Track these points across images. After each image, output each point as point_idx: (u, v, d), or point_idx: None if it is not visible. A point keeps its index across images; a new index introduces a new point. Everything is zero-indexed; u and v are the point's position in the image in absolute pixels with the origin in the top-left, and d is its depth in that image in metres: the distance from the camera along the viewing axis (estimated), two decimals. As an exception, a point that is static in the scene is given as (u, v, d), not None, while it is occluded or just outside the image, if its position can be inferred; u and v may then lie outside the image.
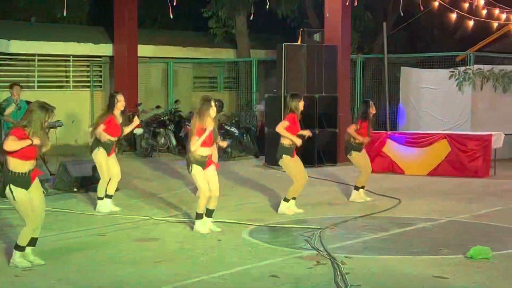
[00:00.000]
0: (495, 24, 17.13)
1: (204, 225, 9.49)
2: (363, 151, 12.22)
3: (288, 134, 10.67)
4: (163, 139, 19.53)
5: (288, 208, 10.92)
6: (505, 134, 16.12)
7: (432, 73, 19.11)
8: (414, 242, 8.92)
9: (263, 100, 19.15)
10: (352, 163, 12.35)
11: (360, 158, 12.15)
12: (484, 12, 16.13)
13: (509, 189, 13.59)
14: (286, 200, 10.96)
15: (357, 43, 23.75)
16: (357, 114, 12.88)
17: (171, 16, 12.94)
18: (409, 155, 15.90)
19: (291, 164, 10.87)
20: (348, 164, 13.67)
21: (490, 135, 15.47)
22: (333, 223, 10.01)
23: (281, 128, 10.71)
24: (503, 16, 16.65)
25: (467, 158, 15.39)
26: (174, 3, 12.27)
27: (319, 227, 9.62)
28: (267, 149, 17.16)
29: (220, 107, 14.78)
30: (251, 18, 15.57)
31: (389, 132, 16.78)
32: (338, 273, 7.18)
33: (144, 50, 22.12)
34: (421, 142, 15.88)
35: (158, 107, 20.72)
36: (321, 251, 8.22)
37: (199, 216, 9.52)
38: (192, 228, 9.60)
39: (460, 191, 13.45)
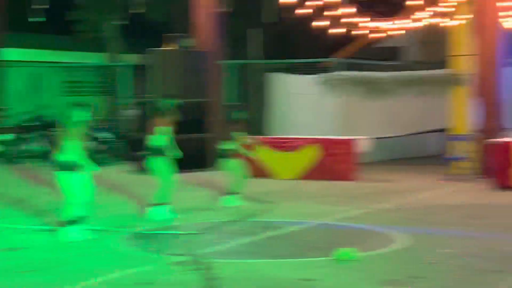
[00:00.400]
0: (363, 32, 17.68)
1: (73, 232, 9.28)
2: (238, 156, 12.35)
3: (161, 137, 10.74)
4: (30, 144, 18.98)
5: (160, 214, 10.86)
6: (372, 138, 16.66)
7: (300, 79, 19.51)
8: (283, 246, 9.05)
9: (133, 104, 18.98)
10: (224, 168, 12.43)
11: (234, 163, 12.29)
12: (352, 20, 16.61)
13: (375, 191, 14.04)
14: (156, 205, 10.89)
15: (227, 49, 23.88)
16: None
17: (39, 20, 12.63)
18: (280, 159, 16.17)
19: (161, 167, 10.88)
20: (218, 169, 13.72)
21: (358, 139, 15.94)
22: (204, 228, 10.02)
23: (154, 131, 10.73)
24: (370, 24, 17.21)
25: (335, 161, 15.80)
26: (42, 7, 11.97)
27: (191, 233, 9.61)
28: (138, 154, 16.97)
29: (90, 113, 14.53)
30: (122, 23, 15.42)
31: (259, 137, 16.98)
32: (209, 278, 7.19)
33: (11, 54, 21.43)
34: (290, 146, 16.18)
35: (28, 112, 20.11)
36: (192, 256, 8.20)
37: (68, 223, 9.30)
38: (63, 235, 9.35)
39: (329, 194, 13.79)
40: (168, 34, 17.81)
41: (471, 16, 16.78)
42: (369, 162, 17.74)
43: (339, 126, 18.61)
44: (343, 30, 16.55)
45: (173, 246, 9.01)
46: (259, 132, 18.90)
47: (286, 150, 16.18)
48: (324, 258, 8.13)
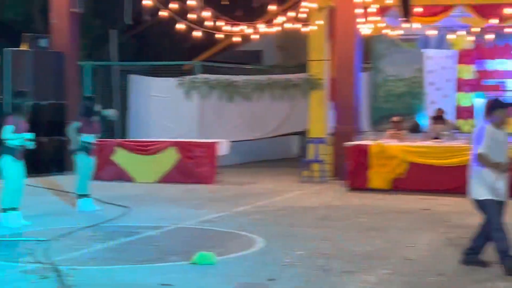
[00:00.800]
0: (221, 36, 17.75)
1: None
2: (87, 157, 12.09)
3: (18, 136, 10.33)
4: None
5: (11, 219, 10.43)
6: (231, 142, 16.79)
7: (161, 82, 19.40)
8: (141, 251, 8.92)
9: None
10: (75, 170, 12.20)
11: (83, 164, 12.07)
12: (210, 23, 16.65)
13: (234, 194, 14.15)
14: (4, 210, 10.44)
15: (87, 50, 23.42)
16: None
17: None
18: (139, 162, 16.01)
19: (11, 169, 10.42)
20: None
21: (216, 143, 16.01)
22: (59, 234, 9.74)
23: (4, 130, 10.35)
24: (228, 28, 17.31)
25: (194, 165, 15.81)
26: None
27: (44, 239, 9.31)
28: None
29: None
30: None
31: (118, 140, 16.76)
32: (63, 286, 6.98)
33: None
34: (150, 150, 16.06)
35: None
36: (46, 263, 7.95)
37: None
38: None
39: (188, 197, 13.76)
40: (26, 34, 17.26)
41: (327, 22, 17.22)
42: (229, 165, 17.89)
43: (198, 129, 18.64)
44: (203, 33, 16.57)
45: (24, 253, 8.68)
46: (119, 135, 18.64)
47: (146, 153, 16.04)
48: (183, 263, 8.09)
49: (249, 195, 14.12)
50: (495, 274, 7.57)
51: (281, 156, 22.21)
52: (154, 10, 15.68)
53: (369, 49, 19.67)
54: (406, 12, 13.91)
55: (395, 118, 15.86)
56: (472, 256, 7.97)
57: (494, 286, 7.13)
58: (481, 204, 7.81)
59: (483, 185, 7.75)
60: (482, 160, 7.74)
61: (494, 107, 7.96)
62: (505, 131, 8.01)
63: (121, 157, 16.09)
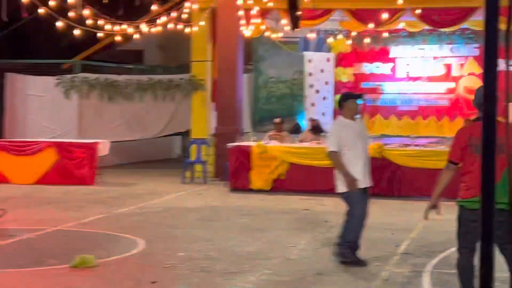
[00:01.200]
0: (101, 34, 17.49)
1: None
2: None
3: None
4: None
5: None
6: (111, 142, 16.57)
7: (39, 80, 18.91)
8: (19, 254, 8.68)
9: None
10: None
11: None
12: (93, 22, 16.37)
13: (114, 196, 13.98)
14: None
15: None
16: None
17: None
18: (15, 163, 15.55)
19: None
20: None
21: (96, 143, 15.76)
22: None
23: None
24: (109, 26, 17.07)
25: (74, 166, 15.51)
26: None
27: None
28: None
29: None
30: None
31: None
32: None
33: None
34: (28, 150, 15.64)
35: None
36: None
37: None
38: None
39: (67, 199, 13.49)
40: None
41: (209, 23, 17.27)
42: (110, 166, 17.65)
43: (78, 129, 18.29)
44: (83, 32, 16.27)
45: None
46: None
47: (23, 154, 15.61)
48: (62, 266, 7.93)
49: (130, 196, 13.98)
50: (372, 272, 7.81)
51: (163, 157, 22.11)
52: (32, 7, 15.25)
53: (250, 51, 19.87)
54: (294, 21, 14.14)
55: (276, 120, 16.09)
56: (347, 251, 8.17)
57: (371, 286, 7.35)
58: (344, 196, 8.14)
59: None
60: (331, 160, 8.20)
61: (345, 98, 8.38)
62: (360, 122, 8.51)
63: (-3, 158, 15.59)
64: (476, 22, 16.92)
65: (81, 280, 7.36)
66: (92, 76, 18.63)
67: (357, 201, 8.16)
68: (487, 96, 1.91)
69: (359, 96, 8.70)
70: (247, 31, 16.79)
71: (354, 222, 8.14)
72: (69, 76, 18.53)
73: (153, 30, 17.13)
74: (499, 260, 5.94)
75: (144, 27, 17.15)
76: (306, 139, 15.67)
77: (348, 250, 8.08)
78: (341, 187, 8.19)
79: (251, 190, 14.38)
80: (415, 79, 20.36)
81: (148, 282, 7.29)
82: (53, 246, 9.31)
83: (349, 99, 8.35)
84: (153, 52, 24.03)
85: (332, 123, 8.42)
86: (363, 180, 8.24)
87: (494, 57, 1.90)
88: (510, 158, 2.19)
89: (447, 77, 20.04)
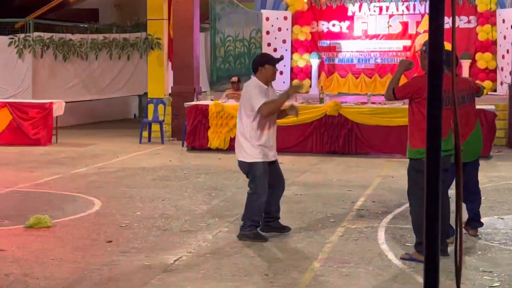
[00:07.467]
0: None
1: None
2: None
3: None
4: None
5: None
6: (66, 102, 16.37)
7: (-10, 40, 18.53)
8: (-28, 216, 8.57)
9: None
10: None
11: None
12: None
13: (70, 156, 13.84)
14: None
15: None
16: None
17: None
18: (-32, 124, 15.30)
19: None
20: None
21: (51, 103, 15.55)
22: None
23: None
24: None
25: (29, 126, 15.31)
26: None
27: None
28: None
29: None
30: None
31: None
32: None
33: None
34: (-20, 111, 15.37)
35: None
36: None
37: None
38: None
39: (22, 160, 13.33)
40: None
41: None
42: (65, 126, 17.45)
43: (32, 89, 18.01)
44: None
45: None
46: None
47: (-24, 115, 15.34)
48: (16, 227, 7.85)
49: (86, 156, 13.85)
50: (328, 228, 7.87)
51: (120, 117, 21.93)
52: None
53: (207, 9, 19.68)
54: None
55: (233, 78, 16.00)
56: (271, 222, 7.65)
57: (327, 241, 7.41)
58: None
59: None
60: (268, 108, 7.17)
61: (263, 62, 7.44)
62: (273, 90, 7.56)
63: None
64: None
65: (36, 240, 7.29)
66: (46, 35, 18.30)
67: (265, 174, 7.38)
68: (433, 45, 1.88)
69: (278, 61, 7.57)
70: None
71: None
72: (22, 35, 18.17)
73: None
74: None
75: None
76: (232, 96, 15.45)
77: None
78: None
79: (208, 149, 14.35)
80: (372, 37, 20.39)
81: (103, 241, 7.26)
82: (8, 206, 9.19)
83: (267, 63, 7.39)
84: (108, 11, 23.66)
85: (252, 83, 7.35)
86: (272, 154, 7.46)
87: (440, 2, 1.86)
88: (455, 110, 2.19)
89: (403, 35, 20.11)
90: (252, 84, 7.42)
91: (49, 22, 19.78)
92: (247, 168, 7.48)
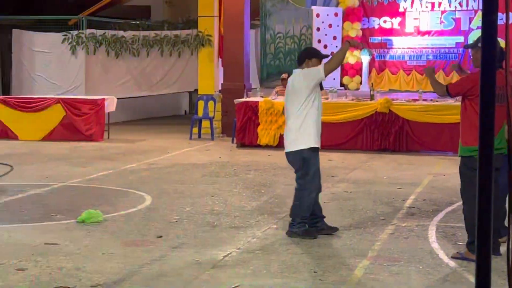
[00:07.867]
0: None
1: None
2: None
3: None
4: None
5: None
6: (118, 98, 16.55)
7: (45, 37, 18.81)
8: (26, 210, 8.71)
9: None
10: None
11: None
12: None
13: (122, 152, 13.99)
14: None
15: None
16: None
17: None
18: (23, 119, 15.56)
19: None
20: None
21: (103, 99, 15.74)
22: None
23: None
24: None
25: (81, 122, 15.52)
26: None
27: None
28: None
29: None
30: None
31: (0, 97, 16.23)
32: None
33: None
34: (35, 107, 15.63)
35: None
36: None
37: None
38: None
39: (74, 155, 13.52)
40: None
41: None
42: (117, 123, 17.65)
43: (84, 86, 18.25)
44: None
45: None
46: (1, 92, 18.03)
47: (31, 111, 15.60)
48: (69, 221, 7.97)
49: (137, 152, 13.99)
50: (379, 226, 7.81)
51: (170, 113, 22.09)
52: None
53: (258, 6, 19.68)
54: None
55: (283, 75, 15.96)
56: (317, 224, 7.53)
57: (377, 239, 7.36)
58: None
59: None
60: (329, 64, 7.20)
61: (310, 55, 7.42)
62: None
63: (4, 114, 15.60)
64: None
65: (87, 235, 7.38)
66: (98, 32, 18.52)
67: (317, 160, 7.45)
68: (486, 41, 1.85)
69: (325, 57, 7.51)
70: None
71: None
72: (75, 32, 18.42)
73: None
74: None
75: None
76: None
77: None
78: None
79: (258, 146, 14.36)
80: (424, 33, 20.18)
81: (154, 236, 7.32)
82: (60, 201, 9.33)
83: (314, 57, 7.36)
84: (160, 8, 23.84)
85: (298, 71, 7.32)
86: (318, 140, 7.40)
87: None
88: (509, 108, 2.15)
89: (456, 31, 19.86)
90: (298, 71, 7.37)
91: (101, 19, 20.01)
92: (301, 157, 7.36)
